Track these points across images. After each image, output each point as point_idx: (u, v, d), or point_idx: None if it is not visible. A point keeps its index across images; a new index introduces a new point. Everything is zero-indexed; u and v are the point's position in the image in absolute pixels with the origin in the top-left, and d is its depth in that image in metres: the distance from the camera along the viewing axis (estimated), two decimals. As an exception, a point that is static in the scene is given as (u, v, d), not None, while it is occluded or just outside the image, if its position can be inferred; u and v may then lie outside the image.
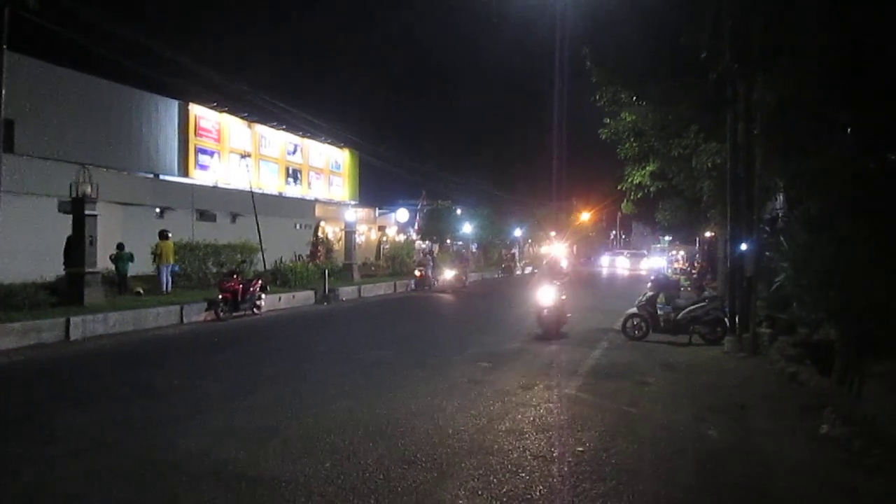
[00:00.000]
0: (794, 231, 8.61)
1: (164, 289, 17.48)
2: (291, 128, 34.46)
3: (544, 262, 27.48)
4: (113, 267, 17.24)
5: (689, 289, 20.31)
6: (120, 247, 17.39)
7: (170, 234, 18.05)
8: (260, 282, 17.38)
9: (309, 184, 38.00)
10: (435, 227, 40.34)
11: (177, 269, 18.41)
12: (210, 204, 28.01)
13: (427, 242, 38.65)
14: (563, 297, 13.29)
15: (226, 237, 22.18)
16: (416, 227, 42.31)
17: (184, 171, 28.47)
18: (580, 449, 5.87)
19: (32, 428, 6.48)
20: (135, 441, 6.02)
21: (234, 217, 28.52)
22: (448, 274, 27.64)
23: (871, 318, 7.23)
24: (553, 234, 61.00)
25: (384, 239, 42.65)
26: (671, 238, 51.22)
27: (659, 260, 48.44)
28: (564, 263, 32.22)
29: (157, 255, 17.83)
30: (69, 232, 15.14)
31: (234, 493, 4.77)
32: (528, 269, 47.25)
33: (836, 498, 5.07)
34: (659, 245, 57.19)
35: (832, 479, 5.34)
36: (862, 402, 6.97)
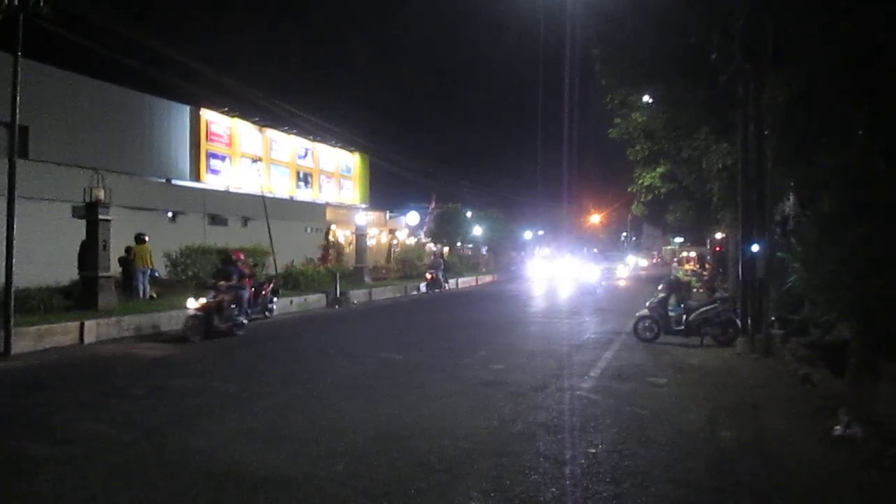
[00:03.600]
0: (806, 231, 8.58)
1: (141, 295, 16.68)
2: (302, 132, 34.58)
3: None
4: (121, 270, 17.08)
5: (700, 290, 20.27)
6: (128, 251, 17.31)
7: (147, 238, 17.51)
8: (271, 285, 17.44)
9: (319, 187, 38.10)
10: (445, 229, 40.40)
11: (157, 274, 18.06)
12: (221, 208, 28.14)
13: (438, 245, 38.70)
14: None
15: (237, 241, 22.27)
16: (424, 229, 42.39)
17: (195, 176, 28.62)
18: (592, 450, 5.87)
19: (49, 429, 6.55)
20: (149, 442, 6.07)
21: (245, 221, 28.63)
22: (191, 304, 13.18)
23: (884, 317, 7.19)
24: (540, 233, 60.23)
25: (395, 242, 42.73)
26: (682, 240, 50.86)
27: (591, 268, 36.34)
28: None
29: (128, 261, 17.06)
30: (83, 236, 15.26)
31: (246, 493, 4.81)
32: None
33: (851, 498, 5.05)
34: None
35: (847, 479, 5.31)
36: (876, 403, 6.93)
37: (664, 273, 33.87)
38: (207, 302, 13.21)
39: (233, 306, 13.77)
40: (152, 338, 13.25)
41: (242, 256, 15.87)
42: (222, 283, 13.84)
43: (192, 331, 12.77)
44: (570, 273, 37.16)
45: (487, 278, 38.36)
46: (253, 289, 16.34)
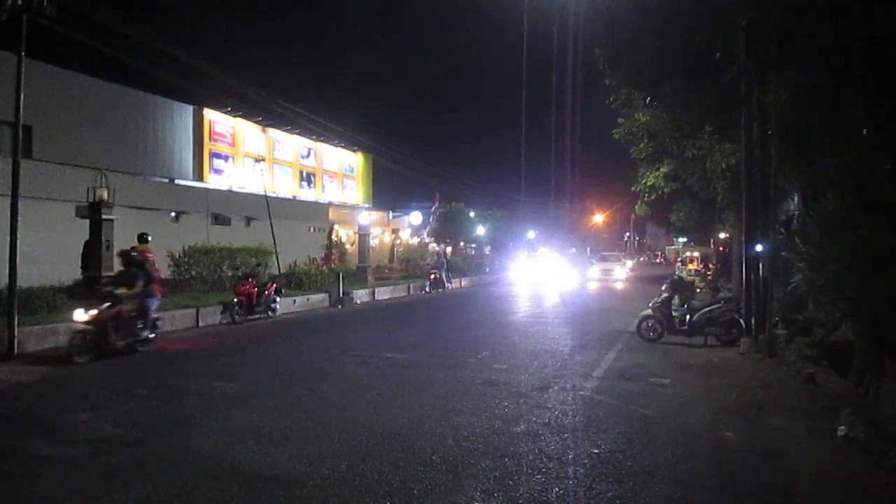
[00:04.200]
0: (810, 231, 8.56)
1: None
2: (305, 131, 34.62)
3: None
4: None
5: (704, 290, 20.23)
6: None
7: (149, 238, 17.57)
8: (275, 285, 17.46)
9: (322, 187, 38.12)
10: (448, 229, 40.40)
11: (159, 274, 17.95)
12: (225, 208, 28.17)
13: (441, 245, 38.73)
14: None
15: (240, 241, 22.29)
16: (427, 229, 42.39)
17: (199, 176, 28.66)
18: (596, 451, 5.86)
19: (53, 429, 6.55)
20: (152, 441, 6.08)
21: (248, 221, 28.66)
22: (79, 316, 10.62)
23: (888, 318, 7.16)
24: (537, 233, 59.54)
25: (398, 242, 42.77)
26: (686, 239, 50.74)
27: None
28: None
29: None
30: (86, 236, 15.27)
31: (250, 493, 4.80)
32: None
33: (855, 499, 5.04)
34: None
35: (851, 480, 5.29)
36: (881, 403, 6.91)
37: (653, 273, 32.76)
38: (100, 313, 10.50)
39: (135, 317, 11.29)
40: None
41: (151, 255, 12.72)
42: (122, 289, 11.15)
43: (78, 349, 10.26)
44: (552, 275, 35.74)
45: (490, 278, 38.33)
46: (256, 289, 16.39)
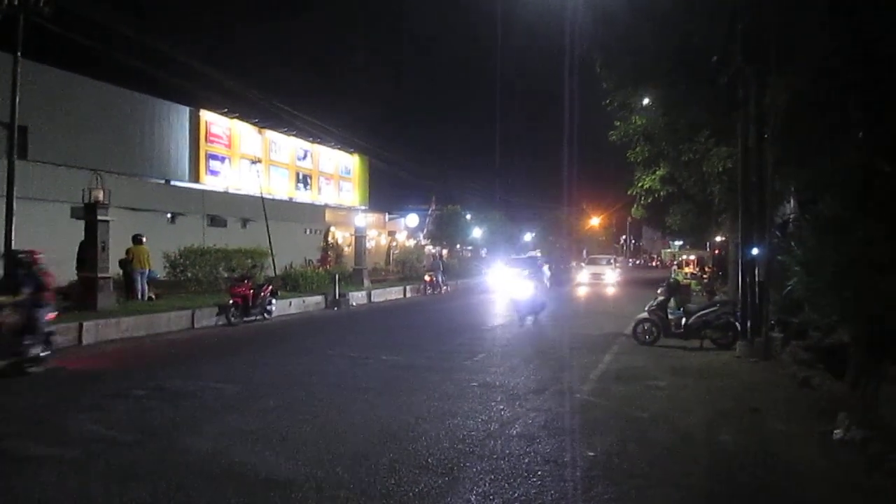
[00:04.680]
0: (806, 234, 8.56)
1: (140, 297, 16.50)
2: (301, 133, 34.60)
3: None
4: (121, 271, 17.03)
5: (700, 293, 20.26)
6: (128, 252, 17.16)
7: (144, 239, 17.26)
8: (270, 287, 17.42)
9: (319, 189, 38.10)
10: (444, 231, 40.36)
11: (156, 275, 18.06)
12: (221, 209, 28.14)
13: (437, 247, 38.67)
14: None
15: (236, 242, 22.23)
16: (424, 231, 42.34)
17: (195, 177, 28.62)
18: (592, 453, 5.85)
19: (50, 430, 6.52)
20: (149, 443, 6.05)
21: (244, 222, 28.62)
22: None
23: (884, 320, 7.17)
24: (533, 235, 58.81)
25: (394, 244, 42.73)
26: (682, 243, 50.83)
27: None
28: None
29: (127, 262, 16.81)
30: (82, 237, 15.22)
31: (246, 494, 4.78)
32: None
33: (852, 502, 5.04)
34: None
35: (848, 483, 5.30)
36: (877, 406, 6.91)
37: (647, 276, 31.57)
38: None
39: (21, 332, 9.28)
40: (153, 338, 12.99)
41: (41, 257, 10.22)
42: (2, 298, 9.23)
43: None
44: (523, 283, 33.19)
45: (485, 280, 38.28)
46: (252, 290, 16.34)
